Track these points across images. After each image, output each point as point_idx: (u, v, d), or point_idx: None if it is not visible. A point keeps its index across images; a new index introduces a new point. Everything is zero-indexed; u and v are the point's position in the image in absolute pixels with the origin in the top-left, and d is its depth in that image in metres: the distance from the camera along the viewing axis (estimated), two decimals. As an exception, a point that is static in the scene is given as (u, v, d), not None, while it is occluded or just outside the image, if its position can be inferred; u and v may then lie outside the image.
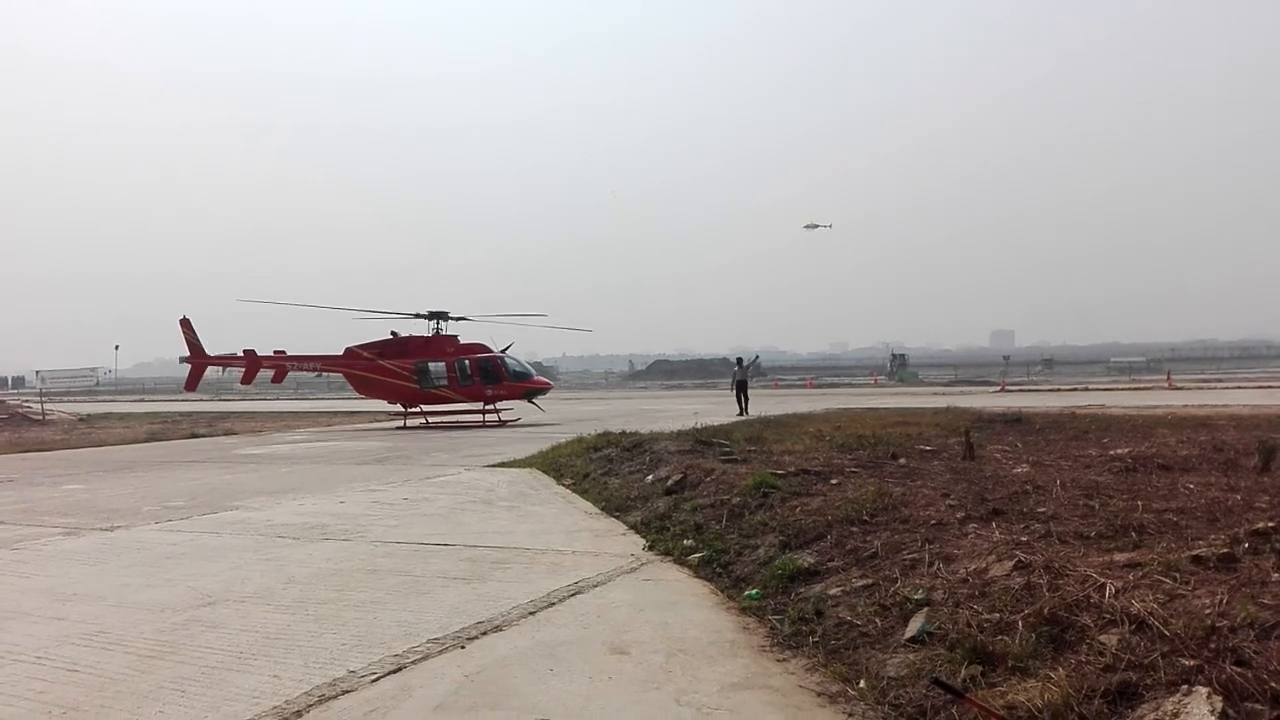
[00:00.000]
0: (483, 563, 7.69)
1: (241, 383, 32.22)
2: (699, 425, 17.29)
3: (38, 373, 76.57)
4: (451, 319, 29.06)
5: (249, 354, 29.77)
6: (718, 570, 7.08)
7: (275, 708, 4.49)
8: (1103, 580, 4.66)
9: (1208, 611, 4.12)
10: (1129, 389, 36.26)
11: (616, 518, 9.80)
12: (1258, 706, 3.44)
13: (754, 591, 6.34)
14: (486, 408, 27.94)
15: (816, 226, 73.39)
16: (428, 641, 5.48)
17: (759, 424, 17.61)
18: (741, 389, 28.99)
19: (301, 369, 31.29)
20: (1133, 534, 5.89)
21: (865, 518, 7.20)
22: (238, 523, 10.22)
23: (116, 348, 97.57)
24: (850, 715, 4.26)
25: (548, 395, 30.75)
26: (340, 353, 29.19)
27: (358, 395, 32.15)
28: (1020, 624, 4.47)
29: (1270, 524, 5.40)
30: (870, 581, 5.83)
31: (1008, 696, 3.89)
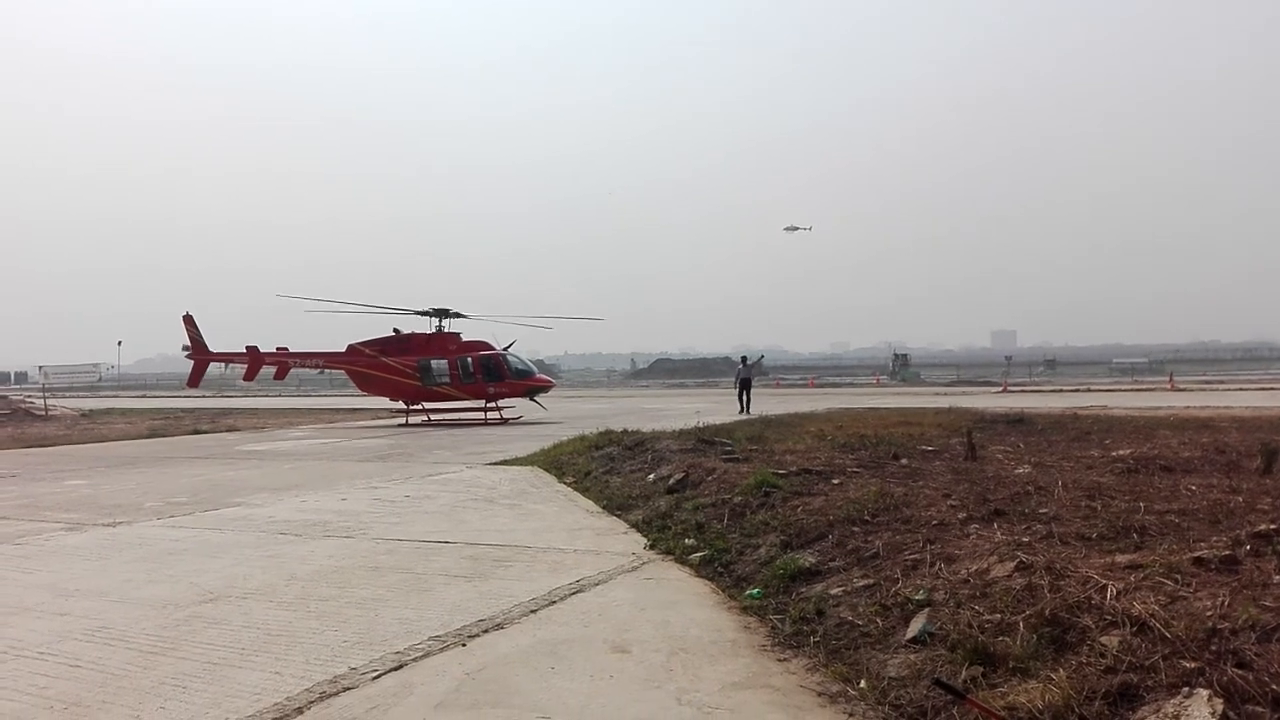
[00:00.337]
0: (484, 561, 7.70)
1: (244, 379, 32.27)
2: (701, 424, 17.30)
3: (40, 368, 76.54)
4: (462, 317, 29.05)
5: (251, 350, 29.83)
6: (719, 569, 7.08)
7: (277, 704, 4.50)
8: (1104, 582, 4.65)
9: (1209, 614, 4.11)
10: (1131, 390, 36.26)
11: (618, 516, 9.81)
12: (1259, 709, 3.44)
13: (755, 591, 6.34)
14: (488, 405, 27.96)
15: (796, 229, 72.93)
16: (429, 639, 5.48)
17: (761, 423, 17.62)
18: (745, 386, 29.15)
19: (304, 366, 31.34)
20: (1134, 535, 5.88)
21: (867, 518, 7.20)
22: (240, 519, 10.24)
23: (119, 343, 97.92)
24: (851, 715, 4.26)
25: (549, 393, 30.83)
26: (343, 349, 29.22)
27: (360, 392, 32.17)
28: (1021, 625, 4.47)
29: (1272, 526, 5.39)
30: (872, 581, 5.83)
31: (1009, 697, 3.89)
